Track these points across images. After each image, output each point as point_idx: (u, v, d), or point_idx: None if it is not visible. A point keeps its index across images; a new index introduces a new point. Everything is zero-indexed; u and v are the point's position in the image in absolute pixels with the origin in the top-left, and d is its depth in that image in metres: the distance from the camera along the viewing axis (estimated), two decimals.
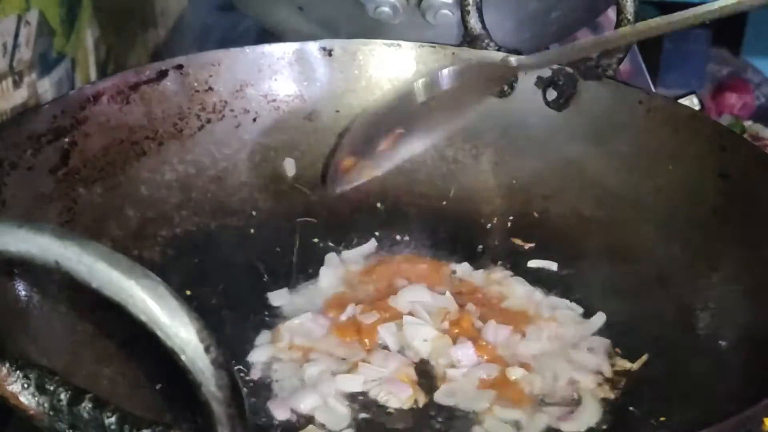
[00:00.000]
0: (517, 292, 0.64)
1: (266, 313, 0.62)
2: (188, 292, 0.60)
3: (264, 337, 0.60)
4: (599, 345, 0.59)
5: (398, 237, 0.69)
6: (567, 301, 0.63)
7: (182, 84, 0.68)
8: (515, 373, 0.57)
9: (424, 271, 0.65)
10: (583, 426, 0.54)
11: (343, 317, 0.61)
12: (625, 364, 0.58)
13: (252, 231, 0.68)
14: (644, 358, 0.57)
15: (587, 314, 0.62)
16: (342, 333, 0.60)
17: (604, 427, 0.53)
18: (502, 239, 0.69)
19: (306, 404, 0.54)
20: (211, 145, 0.69)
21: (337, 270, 0.66)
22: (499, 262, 0.67)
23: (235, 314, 0.61)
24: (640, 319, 0.60)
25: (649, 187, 0.65)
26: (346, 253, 0.67)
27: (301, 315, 0.61)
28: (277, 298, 0.63)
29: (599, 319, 0.61)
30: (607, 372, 0.57)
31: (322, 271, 0.65)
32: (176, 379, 0.32)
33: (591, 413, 0.54)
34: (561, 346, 0.59)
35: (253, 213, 0.69)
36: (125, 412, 0.35)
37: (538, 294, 0.64)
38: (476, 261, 0.67)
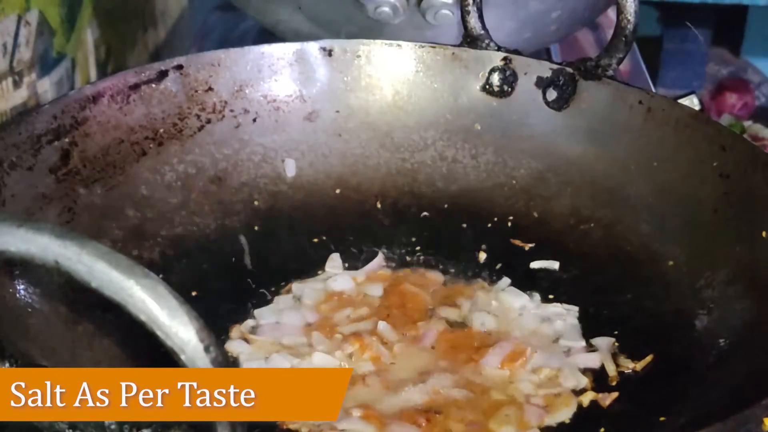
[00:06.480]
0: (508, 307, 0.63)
1: None
2: (194, 293, 0.60)
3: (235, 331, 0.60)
4: (603, 344, 0.59)
5: (398, 238, 0.69)
6: (559, 306, 0.63)
7: (182, 84, 0.68)
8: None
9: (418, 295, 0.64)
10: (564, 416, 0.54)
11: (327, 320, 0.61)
12: (628, 364, 0.57)
13: (253, 230, 0.68)
14: (649, 358, 0.57)
15: (587, 314, 0.62)
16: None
17: (604, 427, 0.53)
18: (502, 239, 0.69)
19: None
20: (211, 145, 0.69)
21: (342, 275, 0.65)
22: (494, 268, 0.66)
23: (234, 314, 0.61)
24: (639, 319, 0.60)
25: (649, 187, 0.65)
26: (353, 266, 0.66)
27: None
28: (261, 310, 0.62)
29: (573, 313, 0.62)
30: (612, 371, 0.57)
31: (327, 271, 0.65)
32: None
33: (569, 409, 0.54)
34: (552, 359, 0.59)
35: (253, 213, 0.69)
36: None
37: (529, 310, 0.63)
38: (474, 265, 0.67)
